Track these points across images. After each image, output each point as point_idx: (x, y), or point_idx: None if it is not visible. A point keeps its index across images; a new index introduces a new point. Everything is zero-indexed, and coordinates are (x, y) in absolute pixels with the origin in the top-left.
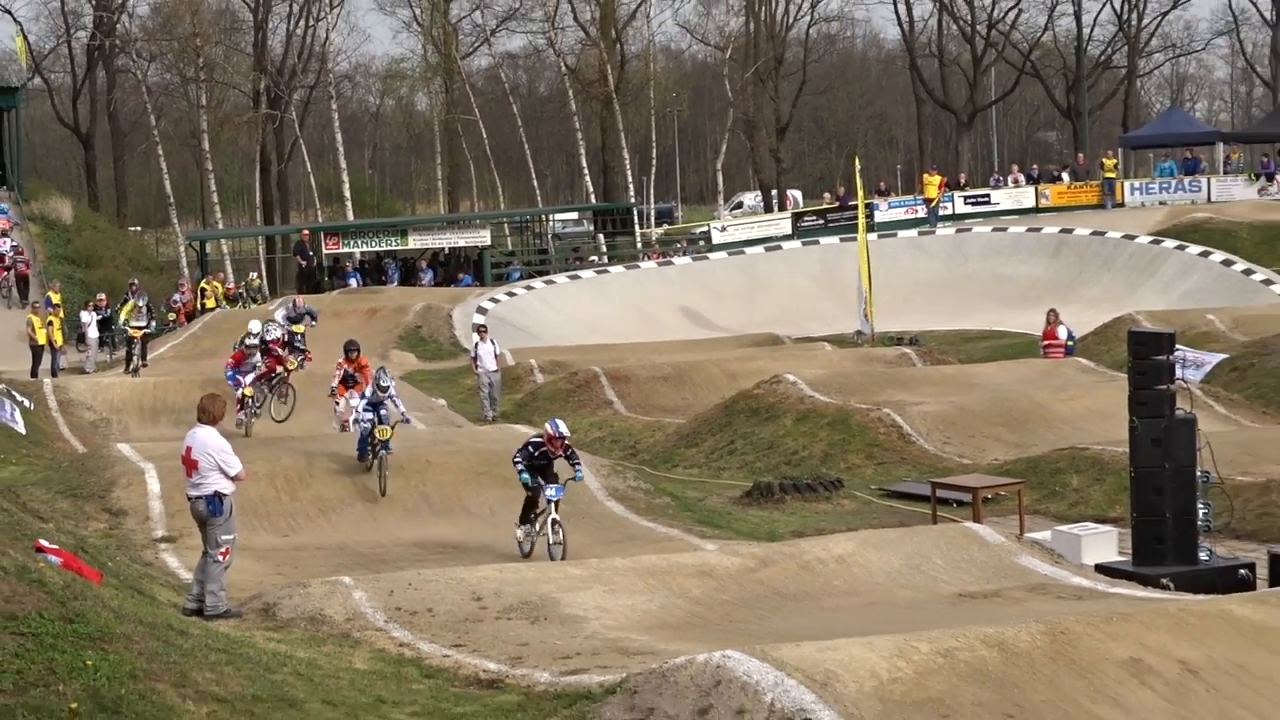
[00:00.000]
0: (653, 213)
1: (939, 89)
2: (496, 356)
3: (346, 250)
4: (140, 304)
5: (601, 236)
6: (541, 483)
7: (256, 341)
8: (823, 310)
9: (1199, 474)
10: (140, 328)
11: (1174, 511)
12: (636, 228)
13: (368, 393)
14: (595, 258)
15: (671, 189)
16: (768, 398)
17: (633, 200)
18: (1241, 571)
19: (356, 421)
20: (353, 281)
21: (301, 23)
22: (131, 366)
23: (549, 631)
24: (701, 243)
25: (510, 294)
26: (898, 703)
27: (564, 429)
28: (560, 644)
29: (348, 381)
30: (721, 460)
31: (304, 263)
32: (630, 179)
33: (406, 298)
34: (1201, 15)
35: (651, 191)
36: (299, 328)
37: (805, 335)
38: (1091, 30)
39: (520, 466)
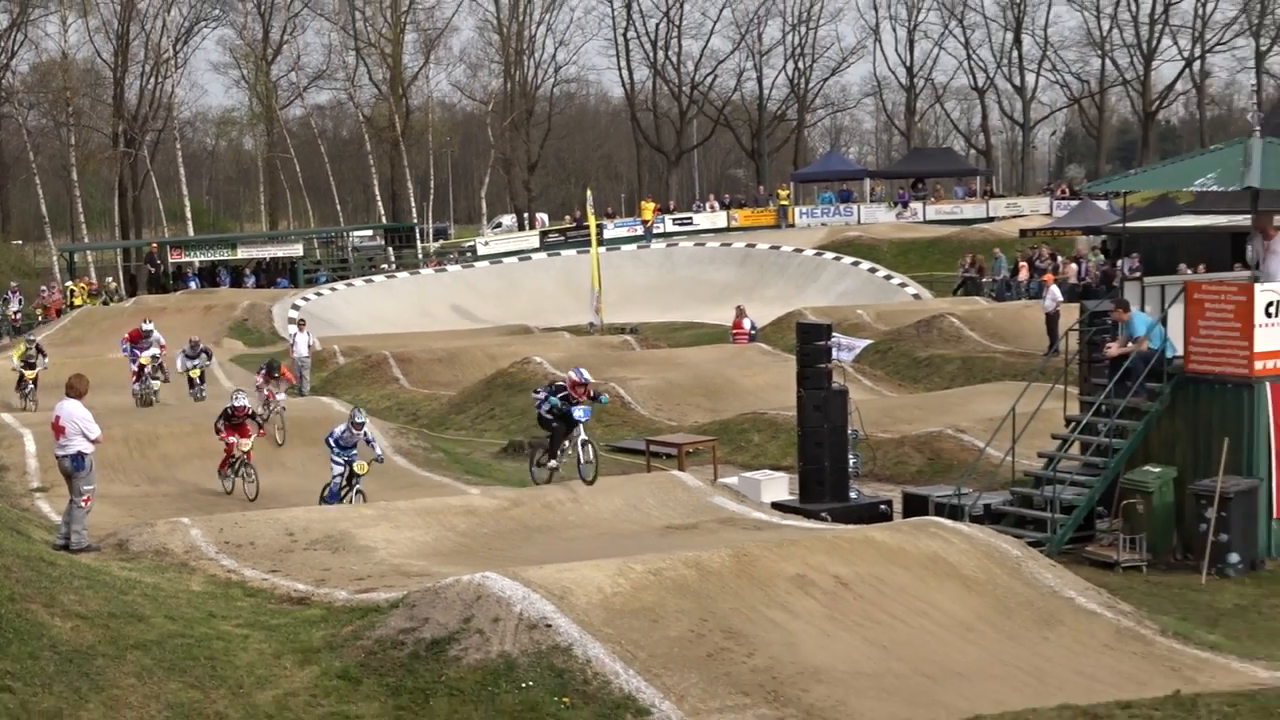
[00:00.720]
0: (431, 230)
1: (654, 135)
2: (310, 345)
3: (188, 259)
4: (33, 351)
5: (390, 249)
6: (569, 408)
7: (151, 327)
8: (563, 306)
9: (850, 432)
10: (32, 369)
11: (831, 461)
12: (418, 242)
13: (338, 432)
14: (386, 266)
15: (446, 211)
16: (520, 374)
17: (415, 221)
18: (882, 506)
19: (334, 477)
20: (193, 284)
21: (152, 79)
22: (25, 398)
23: (347, 559)
24: (469, 254)
25: (318, 294)
26: (618, 610)
27: (587, 375)
28: (355, 569)
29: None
30: (484, 423)
31: (153, 269)
32: (413, 204)
33: (235, 297)
34: (854, 80)
35: (430, 213)
36: (194, 372)
37: (550, 326)
38: (770, 91)
39: (543, 398)
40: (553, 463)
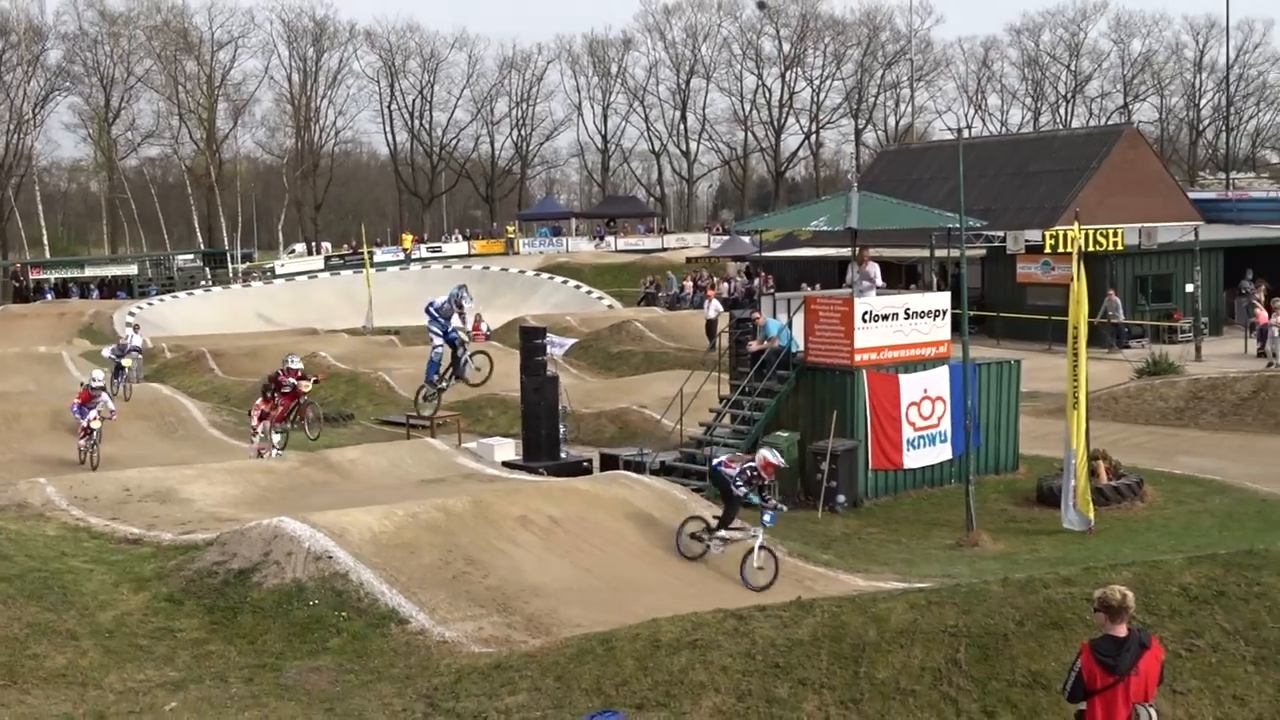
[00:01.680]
0: (239, 254)
1: (411, 183)
2: (142, 344)
3: (45, 276)
4: None
5: (207, 269)
6: (760, 503)
7: (100, 384)
8: (344, 313)
9: (561, 408)
10: None
11: (547, 430)
12: (229, 264)
13: (439, 301)
14: (203, 282)
15: (251, 240)
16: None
17: (227, 247)
18: (584, 463)
19: (434, 349)
20: (49, 296)
21: (15, 135)
22: None
23: (172, 509)
24: (269, 273)
25: (150, 304)
26: (385, 545)
27: (781, 460)
28: (179, 516)
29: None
30: None
31: (18, 284)
32: (225, 234)
33: (84, 306)
34: (563, 144)
35: (239, 241)
36: (127, 362)
37: (332, 328)
38: (500, 152)
39: (743, 487)
40: (723, 533)
